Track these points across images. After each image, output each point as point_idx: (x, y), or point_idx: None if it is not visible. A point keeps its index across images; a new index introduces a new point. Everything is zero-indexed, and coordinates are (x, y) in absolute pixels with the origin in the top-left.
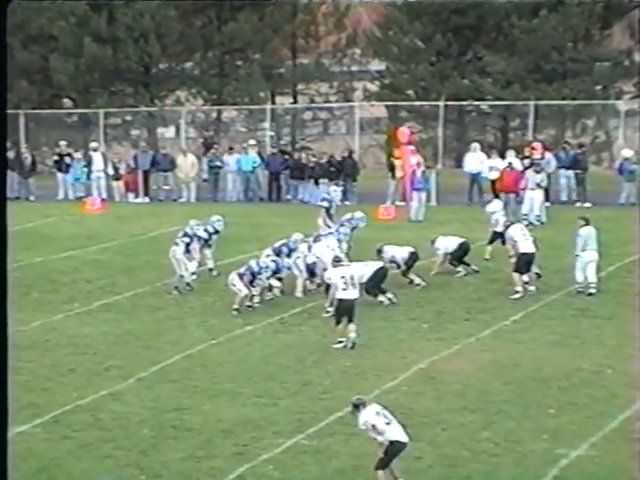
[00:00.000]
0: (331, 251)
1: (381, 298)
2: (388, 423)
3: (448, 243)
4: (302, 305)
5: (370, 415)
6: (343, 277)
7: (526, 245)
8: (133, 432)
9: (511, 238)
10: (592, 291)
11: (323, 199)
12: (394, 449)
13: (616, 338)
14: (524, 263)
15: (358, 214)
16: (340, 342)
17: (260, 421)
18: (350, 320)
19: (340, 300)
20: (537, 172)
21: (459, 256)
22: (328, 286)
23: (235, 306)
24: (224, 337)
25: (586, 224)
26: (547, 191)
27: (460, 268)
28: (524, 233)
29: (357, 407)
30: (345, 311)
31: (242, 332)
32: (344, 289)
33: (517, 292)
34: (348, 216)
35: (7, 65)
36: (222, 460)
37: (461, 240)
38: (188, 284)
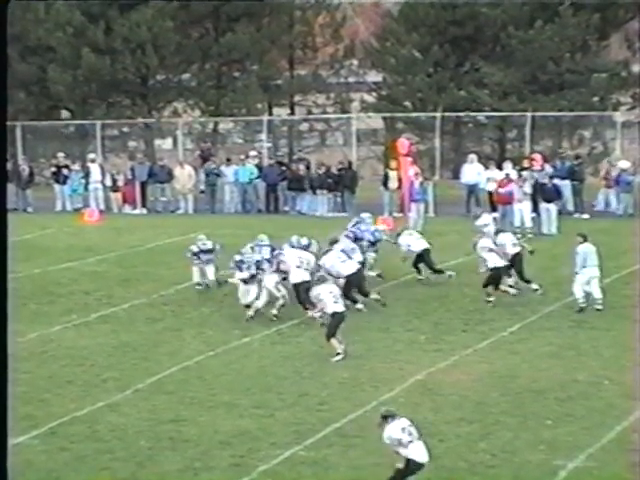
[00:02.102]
0: (338, 260)
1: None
2: (410, 441)
3: (411, 241)
4: (300, 316)
5: (396, 430)
6: (331, 292)
7: (495, 260)
8: (130, 443)
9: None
10: (599, 307)
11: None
12: (409, 468)
13: (613, 349)
14: (493, 278)
15: (363, 215)
16: (338, 354)
17: (257, 432)
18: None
19: (334, 313)
20: (520, 186)
21: (421, 261)
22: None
23: (274, 312)
24: (221, 348)
25: (584, 241)
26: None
27: (422, 275)
28: (491, 248)
29: (385, 419)
30: (338, 324)
31: (239, 344)
32: (335, 302)
33: (490, 301)
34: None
35: (7, 63)
36: (219, 472)
37: (426, 246)
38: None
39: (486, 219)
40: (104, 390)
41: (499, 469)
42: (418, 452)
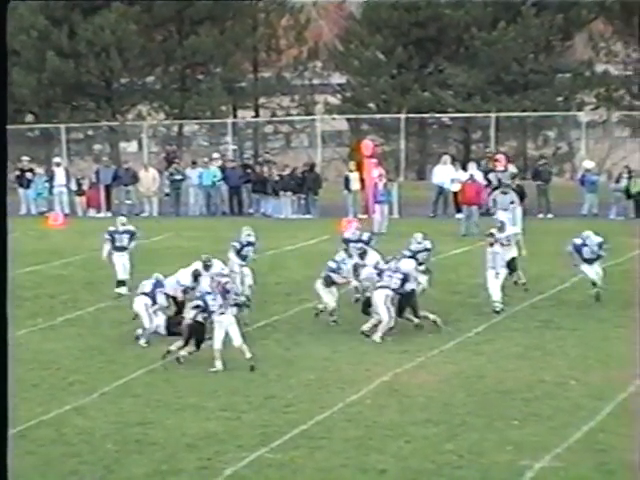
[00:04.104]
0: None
1: None
2: None
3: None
4: (266, 319)
5: None
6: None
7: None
8: (97, 447)
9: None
10: (503, 307)
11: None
12: None
13: (579, 349)
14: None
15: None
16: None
17: (224, 435)
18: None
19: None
20: (505, 193)
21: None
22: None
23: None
24: (187, 351)
25: (495, 242)
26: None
27: None
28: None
29: None
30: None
31: (205, 346)
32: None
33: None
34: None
35: (7, 63)
36: (187, 475)
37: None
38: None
39: (512, 230)
40: (71, 393)
41: (466, 470)
42: None
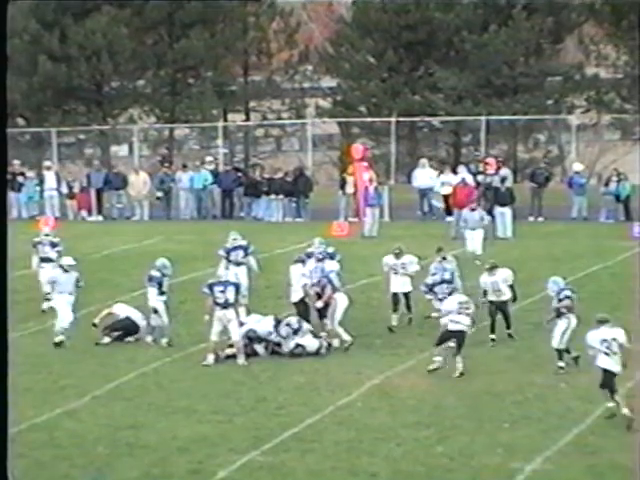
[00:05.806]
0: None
1: None
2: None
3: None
4: None
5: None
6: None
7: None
8: (88, 450)
9: None
10: None
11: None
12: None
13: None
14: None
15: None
16: None
17: (215, 438)
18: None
19: None
20: (473, 210)
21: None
22: None
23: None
24: (179, 354)
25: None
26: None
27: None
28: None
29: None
30: None
31: (196, 349)
32: None
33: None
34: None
35: (7, 63)
36: (178, 478)
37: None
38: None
39: (409, 258)
40: (62, 397)
41: (457, 473)
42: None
